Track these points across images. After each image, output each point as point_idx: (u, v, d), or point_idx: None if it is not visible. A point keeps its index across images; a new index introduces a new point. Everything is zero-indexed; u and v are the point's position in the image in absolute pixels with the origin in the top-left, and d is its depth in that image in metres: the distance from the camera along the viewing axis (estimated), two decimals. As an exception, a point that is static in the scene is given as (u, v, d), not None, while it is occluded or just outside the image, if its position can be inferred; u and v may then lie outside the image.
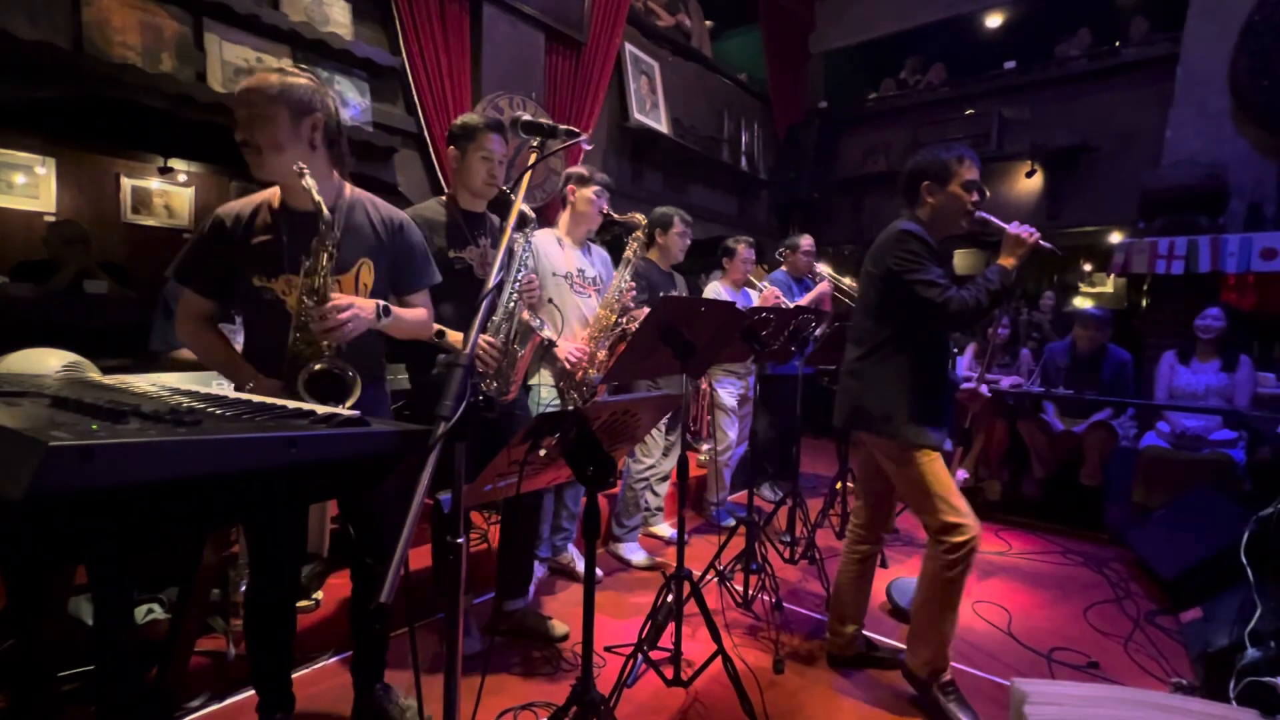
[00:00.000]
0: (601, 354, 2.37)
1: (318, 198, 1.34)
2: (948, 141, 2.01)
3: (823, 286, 3.68)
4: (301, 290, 1.37)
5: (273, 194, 1.50)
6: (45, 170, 4.61)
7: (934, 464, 1.86)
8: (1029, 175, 5.66)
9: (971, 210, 1.88)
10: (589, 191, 2.45)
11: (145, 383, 1.18)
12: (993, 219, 1.87)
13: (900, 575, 2.73)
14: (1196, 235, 4.18)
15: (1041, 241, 1.80)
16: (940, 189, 1.88)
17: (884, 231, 1.92)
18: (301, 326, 1.38)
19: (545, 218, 3.48)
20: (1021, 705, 1.40)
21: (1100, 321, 3.81)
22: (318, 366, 1.36)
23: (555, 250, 2.46)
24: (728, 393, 3.43)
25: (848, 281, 3.80)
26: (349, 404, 1.34)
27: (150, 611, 1.89)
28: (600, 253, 2.68)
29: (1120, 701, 1.41)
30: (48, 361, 1.46)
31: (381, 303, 1.47)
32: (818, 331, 3.22)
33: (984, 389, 3.61)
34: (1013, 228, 1.81)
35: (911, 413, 1.86)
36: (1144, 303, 4.87)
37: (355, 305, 1.39)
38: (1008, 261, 1.80)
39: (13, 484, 0.59)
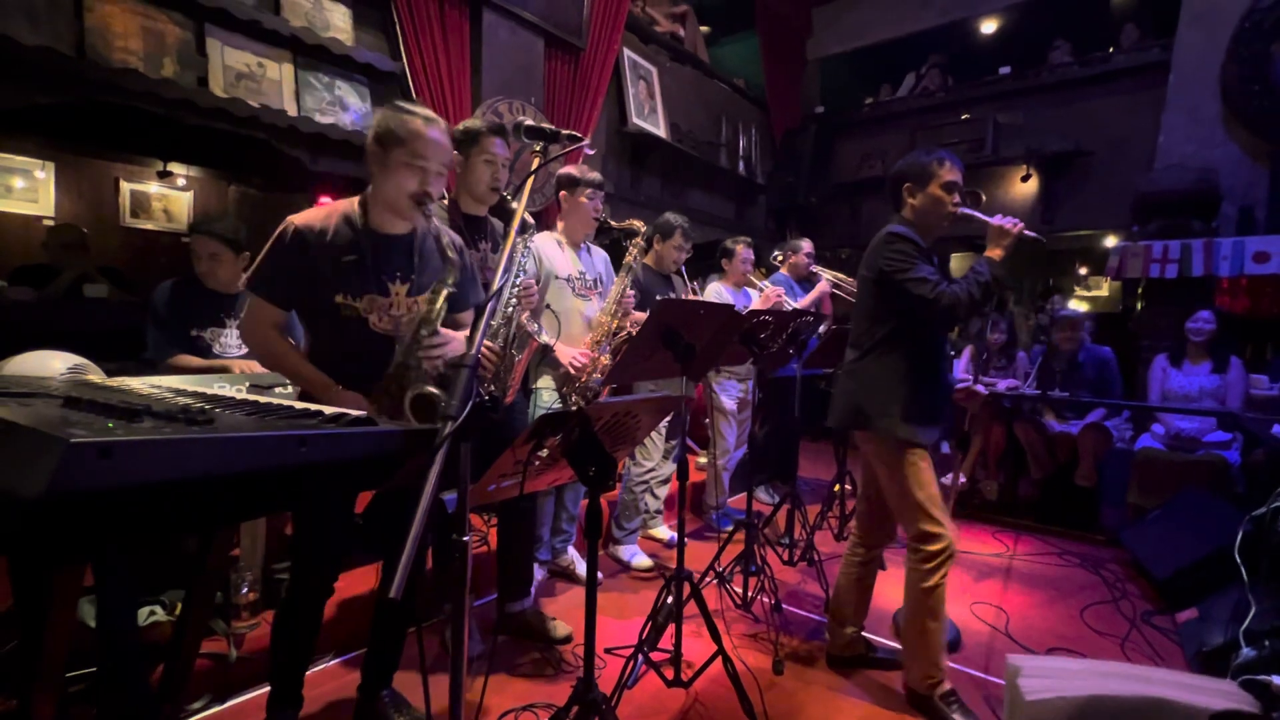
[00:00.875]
0: (604, 359, 2.38)
1: (450, 234, 1.57)
2: (930, 146, 2.10)
3: (822, 287, 3.70)
4: (420, 321, 1.47)
5: (350, 209, 1.52)
6: (44, 174, 4.61)
7: (922, 468, 1.89)
8: (1024, 180, 5.71)
9: (954, 210, 1.93)
10: (581, 194, 2.46)
11: (147, 385, 1.19)
12: (976, 214, 1.91)
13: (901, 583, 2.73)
14: (1190, 239, 4.23)
15: (1025, 230, 1.85)
16: (921, 190, 1.94)
17: (876, 236, 1.97)
18: (409, 351, 1.46)
19: (545, 221, 3.50)
20: (1015, 678, 1.46)
21: (1074, 321, 3.85)
22: (429, 390, 1.44)
23: (556, 253, 2.47)
24: (729, 396, 3.45)
25: (848, 281, 3.83)
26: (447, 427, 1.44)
27: (152, 614, 1.89)
28: (600, 254, 2.69)
29: (1105, 674, 1.50)
30: (52, 364, 1.47)
31: (463, 334, 1.61)
32: (821, 329, 3.24)
33: (980, 387, 3.63)
34: (995, 219, 1.86)
35: (905, 410, 1.89)
36: (1139, 306, 4.91)
37: (455, 339, 1.55)
38: (994, 253, 1.85)
39: (31, 481, 0.60)
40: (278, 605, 1.59)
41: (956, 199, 1.92)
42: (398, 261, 1.55)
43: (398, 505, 1.55)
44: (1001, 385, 4.02)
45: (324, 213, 1.51)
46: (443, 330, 1.51)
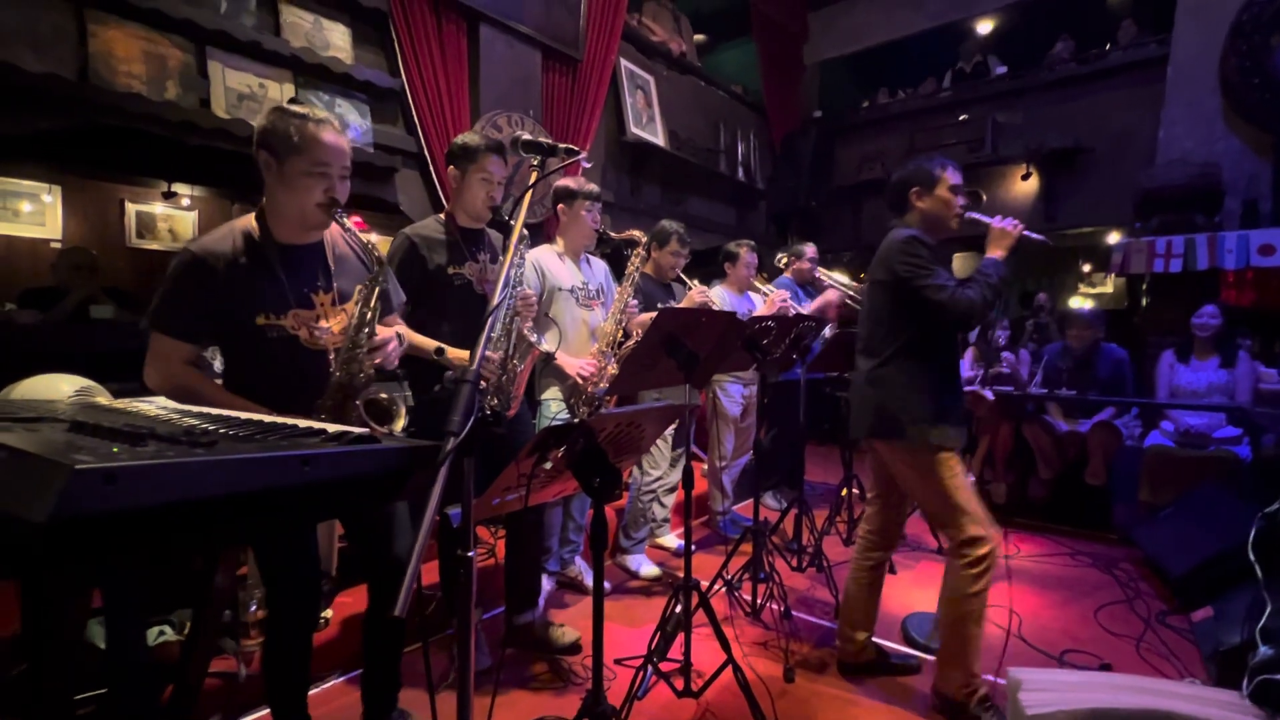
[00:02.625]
0: (611, 368, 2.38)
1: (366, 238, 1.49)
2: (930, 153, 2.16)
3: (830, 297, 3.67)
4: (353, 327, 1.43)
5: (249, 226, 1.45)
6: (51, 198, 4.66)
7: (956, 470, 1.88)
8: (1025, 178, 5.70)
9: (961, 212, 1.97)
10: (579, 205, 2.47)
11: (153, 406, 1.20)
12: (981, 216, 1.96)
13: (913, 594, 2.71)
14: (1194, 234, 4.21)
15: (1026, 231, 1.90)
16: (929, 194, 1.98)
17: (886, 240, 1.97)
18: (349, 359, 1.42)
19: (544, 234, 3.52)
20: (1016, 692, 1.44)
21: (1089, 320, 3.82)
22: (383, 395, 1.45)
23: (558, 265, 2.48)
24: (731, 401, 3.43)
25: (853, 285, 3.82)
26: (399, 427, 1.46)
27: (161, 633, 1.89)
28: (600, 264, 2.69)
29: (1108, 686, 1.47)
30: (60, 387, 1.49)
31: (397, 330, 1.58)
32: (827, 332, 3.23)
33: (987, 392, 3.62)
34: (996, 221, 1.92)
35: (936, 414, 1.89)
36: (1144, 302, 4.88)
37: (391, 337, 1.50)
38: (997, 253, 1.90)
39: (36, 507, 0.60)
40: (265, 639, 1.55)
41: (962, 200, 1.98)
42: (314, 271, 1.49)
43: (381, 525, 1.57)
44: (1004, 364, 3.98)
45: (222, 233, 1.42)
46: (381, 330, 1.48)
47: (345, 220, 1.47)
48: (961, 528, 1.86)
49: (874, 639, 2.18)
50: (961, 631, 1.87)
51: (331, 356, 1.47)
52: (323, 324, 1.48)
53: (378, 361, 1.45)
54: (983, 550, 1.84)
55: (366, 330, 1.44)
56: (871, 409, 1.96)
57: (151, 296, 1.40)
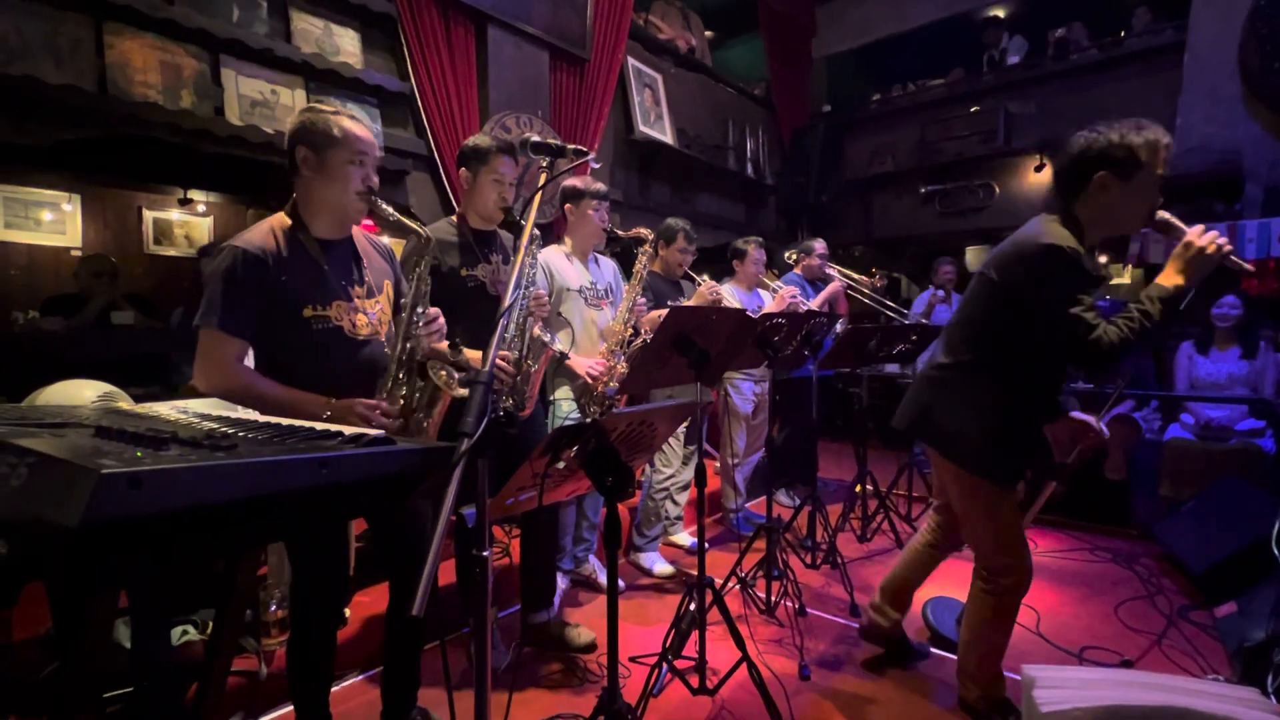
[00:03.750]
0: (620, 367, 2.39)
1: (407, 221, 1.53)
2: (1121, 119, 1.50)
3: (834, 287, 3.67)
4: (408, 304, 1.53)
5: (283, 223, 1.49)
6: (71, 207, 4.75)
7: (1001, 501, 1.68)
8: (1038, 170, 5.62)
9: (1154, 211, 1.51)
10: (587, 205, 2.47)
11: (173, 410, 1.23)
12: (1175, 221, 1.51)
13: (935, 579, 2.69)
14: (1213, 222, 4.13)
15: (1233, 257, 1.42)
16: (1122, 183, 1.48)
17: (1021, 234, 1.59)
18: (407, 335, 1.50)
19: (553, 233, 3.53)
20: (1031, 690, 1.43)
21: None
22: (441, 353, 1.54)
23: (566, 265, 2.49)
24: (743, 398, 3.43)
25: (862, 280, 3.81)
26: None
27: (185, 633, 1.93)
28: (608, 264, 2.70)
29: (1123, 683, 1.47)
30: (83, 393, 1.52)
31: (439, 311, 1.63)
32: (839, 327, 3.21)
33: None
34: (1195, 233, 1.42)
35: (986, 444, 1.65)
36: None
37: (439, 313, 1.58)
38: (1178, 280, 1.43)
39: (67, 512, 0.62)
40: (289, 638, 1.58)
41: (1161, 200, 1.48)
42: (349, 265, 1.56)
43: (402, 525, 1.59)
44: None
45: (263, 230, 1.46)
46: (430, 309, 1.55)
47: (382, 205, 1.51)
48: (989, 553, 1.75)
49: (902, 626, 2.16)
50: (982, 646, 1.81)
51: (377, 342, 1.55)
52: (360, 316, 1.54)
53: (433, 337, 1.53)
54: (1009, 580, 1.70)
55: (421, 306, 1.51)
56: (920, 405, 1.77)
57: (168, 301, 1.43)
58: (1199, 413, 3.53)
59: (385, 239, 1.64)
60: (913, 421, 1.81)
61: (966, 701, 1.89)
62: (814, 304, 3.58)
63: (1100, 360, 1.47)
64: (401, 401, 1.50)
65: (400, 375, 1.50)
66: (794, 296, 3.34)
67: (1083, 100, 5.38)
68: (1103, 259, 8.34)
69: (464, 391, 1.47)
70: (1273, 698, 1.66)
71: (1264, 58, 4.15)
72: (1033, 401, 1.67)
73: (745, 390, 3.43)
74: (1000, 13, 6.43)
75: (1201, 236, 1.42)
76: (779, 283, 3.64)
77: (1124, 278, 8.14)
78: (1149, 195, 1.49)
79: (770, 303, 3.46)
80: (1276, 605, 1.98)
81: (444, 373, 1.47)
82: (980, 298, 1.68)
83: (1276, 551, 2.04)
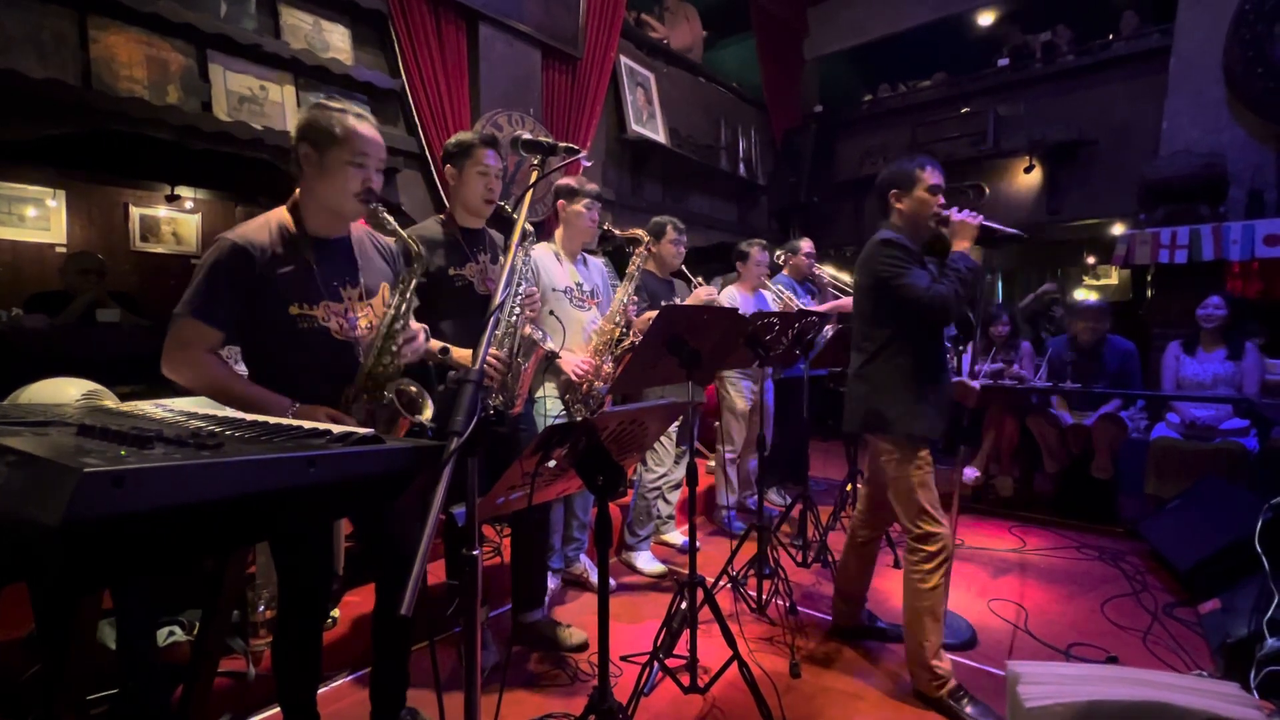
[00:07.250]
0: (607, 367, 2.39)
1: (406, 235, 1.51)
2: (911, 153, 2.20)
3: (844, 302, 3.63)
4: (389, 318, 1.48)
5: (282, 218, 1.49)
6: (56, 203, 4.69)
7: (926, 470, 1.97)
8: (1027, 171, 5.67)
9: (939, 212, 2.01)
10: (579, 204, 2.47)
11: (159, 408, 1.21)
12: (951, 213, 2.00)
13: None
14: (1199, 224, 4.19)
15: (986, 222, 1.97)
16: (907, 195, 2.02)
17: (867, 244, 2.06)
18: (383, 350, 1.46)
19: (545, 232, 3.52)
20: (1015, 686, 1.45)
21: (1098, 312, 3.81)
22: (412, 387, 1.48)
23: (553, 265, 2.48)
24: (739, 393, 3.43)
25: (847, 278, 3.81)
26: (428, 416, 1.48)
27: (171, 634, 1.91)
28: (597, 264, 2.69)
29: (1106, 679, 1.48)
30: (67, 391, 1.50)
31: (423, 326, 1.62)
32: (827, 331, 3.22)
33: (974, 383, 3.54)
34: (955, 214, 1.98)
35: (917, 409, 1.96)
36: (1149, 293, 4.86)
37: (421, 330, 1.57)
38: (963, 245, 1.97)
39: (49, 511, 0.61)
40: (275, 638, 1.55)
41: (941, 200, 2.02)
42: (343, 266, 1.53)
43: (390, 524, 1.58)
44: (985, 369, 3.96)
45: (259, 224, 1.46)
46: (412, 324, 1.53)
47: (382, 211, 1.48)
48: (917, 522, 1.96)
49: (867, 608, 2.36)
50: (919, 625, 1.95)
51: (361, 348, 1.52)
52: (349, 317, 1.51)
53: (409, 355, 1.51)
54: (934, 546, 1.94)
55: (401, 322, 1.49)
56: (861, 405, 2.05)
57: (156, 300, 1.41)
58: (1185, 412, 3.57)
59: (390, 239, 1.63)
60: (861, 419, 2.05)
61: (920, 690, 1.97)
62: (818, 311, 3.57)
63: (942, 312, 1.87)
64: (365, 415, 1.46)
65: (367, 388, 1.47)
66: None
67: (1070, 103, 5.44)
68: (1091, 260, 8.44)
69: (421, 418, 1.45)
70: (1255, 692, 1.69)
71: (1248, 63, 4.21)
72: (926, 365, 2.00)
73: (743, 387, 3.44)
74: (991, 15, 6.48)
75: (960, 215, 1.96)
76: (778, 287, 3.64)
77: (1112, 278, 8.23)
78: (929, 201, 2.01)
79: (773, 305, 3.46)
80: (1258, 602, 2.01)
81: (398, 395, 1.43)
82: (862, 302, 2.09)
83: (1259, 549, 2.07)
